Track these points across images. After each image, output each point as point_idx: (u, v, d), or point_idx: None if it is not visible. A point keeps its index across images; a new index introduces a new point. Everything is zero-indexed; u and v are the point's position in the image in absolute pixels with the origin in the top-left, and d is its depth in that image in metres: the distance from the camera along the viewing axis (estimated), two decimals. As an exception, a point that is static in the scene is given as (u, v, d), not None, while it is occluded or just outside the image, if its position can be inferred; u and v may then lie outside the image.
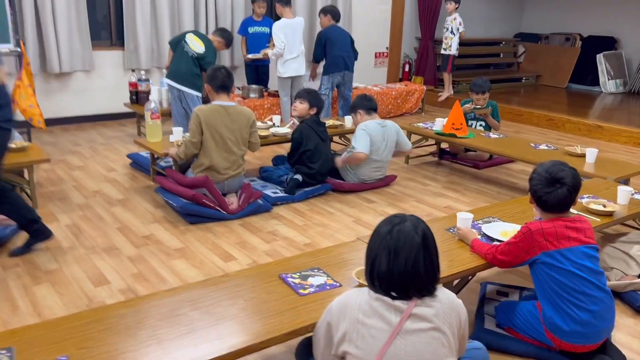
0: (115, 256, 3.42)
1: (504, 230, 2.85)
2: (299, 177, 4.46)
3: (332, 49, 6.55)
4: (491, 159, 5.52)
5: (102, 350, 1.83)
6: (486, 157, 5.46)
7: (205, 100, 5.09)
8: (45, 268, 3.25)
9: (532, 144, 4.85)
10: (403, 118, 7.97)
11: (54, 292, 2.98)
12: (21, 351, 1.79)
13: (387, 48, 9.47)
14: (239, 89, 6.96)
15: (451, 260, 2.58)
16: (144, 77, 6.11)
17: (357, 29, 8.86)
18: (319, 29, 6.99)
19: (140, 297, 2.20)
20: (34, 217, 3.36)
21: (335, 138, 5.72)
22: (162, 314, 2.06)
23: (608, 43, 10.26)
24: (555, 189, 2.42)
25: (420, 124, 5.58)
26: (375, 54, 9.37)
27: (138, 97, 6.15)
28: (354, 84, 7.94)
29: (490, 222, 3.00)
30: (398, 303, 1.71)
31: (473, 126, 5.63)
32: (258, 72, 7.16)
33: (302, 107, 4.55)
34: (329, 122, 5.32)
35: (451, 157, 5.74)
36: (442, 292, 1.80)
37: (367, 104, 4.65)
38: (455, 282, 2.63)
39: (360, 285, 2.14)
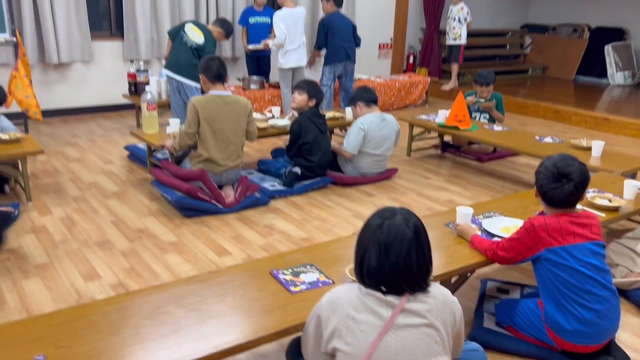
0: (107, 250, 3.36)
1: (505, 226, 2.76)
2: (297, 170, 4.37)
3: (333, 38, 6.44)
4: (495, 152, 5.42)
5: (81, 349, 1.76)
6: (490, 150, 5.35)
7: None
8: (36, 262, 3.18)
9: (537, 137, 4.74)
10: (406, 110, 7.85)
11: (43, 287, 2.92)
12: (-3, 350, 1.73)
13: (391, 39, 9.34)
14: (239, 80, 6.87)
15: (449, 256, 2.49)
16: (142, 67, 6.02)
17: (360, 19, 8.72)
18: (321, 17, 6.86)
19: (126, 293, 2.13)
20: None
21: (337, 130, 5.63)
22: (147, 311, 1.99)
23: (616, 34, 10.08)
24: (562, 185, 2.33)
25: (423, 116, 5.47)
26: (379, 44, 9.23)
27: (137, 88, 6.07)
28: (357, 75, 7.83)
29: (490, 217, 2.90)
30: (390, 298, 1.65)
31: (477, 118, 5.53)
32: (259, 63, 7.06)
33: (301, 98, 4.46)
34: (330, 114, 5.22)
35: (454, 150, 5.63)
36: (436, 288, 1.74)
37: (367, 96, 4.55)
38: (454, 279, 2.54)
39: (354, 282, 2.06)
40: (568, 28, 10.75)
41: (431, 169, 5.15)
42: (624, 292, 2.94)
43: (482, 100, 5.46)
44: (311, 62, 6.88)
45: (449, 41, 8.39)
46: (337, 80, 6.75)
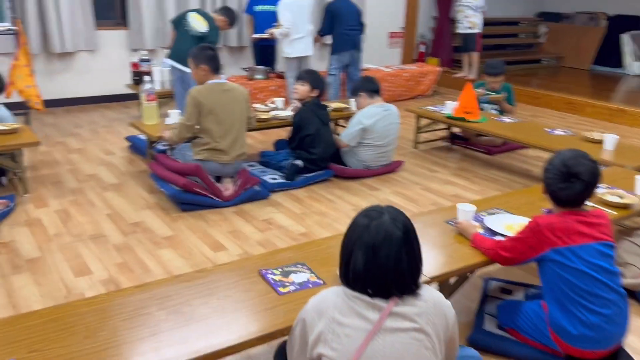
0: (101, 244, 3.28)
1: (509, 224, 2.63)
2: (299, 162, 4.26)
3: (339, 26, 6.28)
4: (504, 145, 5.26)
5: (54, 353, 1.68)
6: (499, 142, 5.19)
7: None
8: (28, 256, 3.12)
9: (548, 129, 4.58)
10: (415, 100, 7.70)
11: (33, 282, 2.85)
12: (-34, 354, 1.65)
13: (401, 28, 9.15)
14: (244, 69, 6.76)
15: (449, 255, 2.38)
16: (145, 57, 5.93)
17: (370, 7, 8.56)
18: (327, 2, 6.71)
19: (106, 293, 2.05)
20: None
21: (342, 121, 5.50)
22: (127, 313, 1.90)
23: (634, 22, 9.78)
24: (571, 184, 2.20)
25: (430, 107, 5.33)
26: (390, 34, 9.06)
27: (140, 77, 5.97)
28: (365, 65, 7.68)
29: (494, 214, 2.78)
30: (377, 301, 1.56)
31: (486, 109, 5.37)
32: (265, 52, 6.93)
33: (303, 89, 4.34)
34: (334, 105, 5.10)
35: (463, 142, 5.49)
36: (427, 291, 1.64)
37: (370, 86, 4.42)
38: (453, 279, 2.43)
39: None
40: (584, 16, 10.47)
41: (438, 162, 5.01)
42: (633, 294, 2.81)
43: (492, 92, 5.30)
44: (317, 40, 6.68)
45: (463, 30, 8.15)
46: (344, 69, 6.60)
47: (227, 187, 3.89)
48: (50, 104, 6.41)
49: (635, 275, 2.92)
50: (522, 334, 2.40)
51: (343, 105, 5.13)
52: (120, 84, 6.60)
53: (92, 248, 3.24)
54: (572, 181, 2.20)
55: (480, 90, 5.29)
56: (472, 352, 1.99)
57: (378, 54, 8.78)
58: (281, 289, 2.06)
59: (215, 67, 3.85)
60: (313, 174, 4.33)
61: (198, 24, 5.32)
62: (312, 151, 4.28)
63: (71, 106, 6.68)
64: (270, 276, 2.15)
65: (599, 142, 4.14)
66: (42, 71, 6.33)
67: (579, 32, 10.31)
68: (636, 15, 9.80)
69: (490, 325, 2.53)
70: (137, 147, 4.96)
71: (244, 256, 3.18)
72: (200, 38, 5.31)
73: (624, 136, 5.35)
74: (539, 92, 7.73)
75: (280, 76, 6.66)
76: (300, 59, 6.20)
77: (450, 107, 5.02)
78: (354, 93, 4.53)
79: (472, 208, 2.61)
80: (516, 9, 10.76)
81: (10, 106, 4.46)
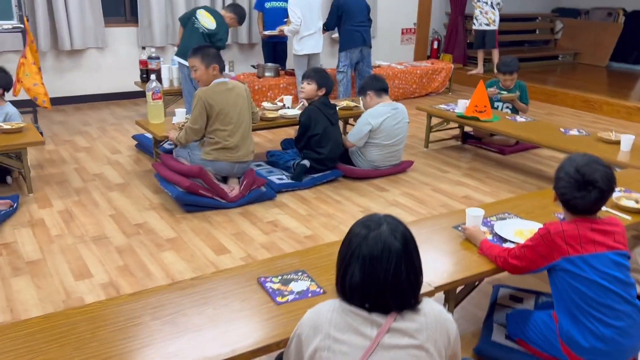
0: (103, 246, 3.24)
1: (519, 230, 2.53)
2: (306, 162, 4.19)
3: (347, 22, 6.17)
4: (518, 144, 5.13)
5: (41, 366, 1.63)
6: (512, 141, 5.07)
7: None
8: (29, 258, 3.08)
9: (562, 129, 4.45)
10: (428, 98, 7.58)
11: (32, 285, 2.81)
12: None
13: (414, 24, 9.03)
14: (253, 67, 6.69)
15: (455, 263, 2.29)
16: (154, 54, 5.89)
17: (383, 3, 8.45)
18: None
19: (99, 301, 1.99)
20: None
21: (352, 120, 5.41)
22: (120, 322, 1.84)
23: (654, 18, 9.58)
24: (587, 193, 2.08)
25: (442, 106, 5.22)
26: (402, 30, 8.94)
27: (148, 75, 5.93)
28: (377, 62, 7.59)
29: (504, 219, 2.68)
30: (375, 316, 1.48)
31: (499, 108, 5.24)
32: (276, 49, 6.86)
33: (309, 88, 4.25)
34: (343, 103, 5.01)
35: (475, 141, 5.37)
36: (428, 305, 1.55)
37: (377, 85, 4.33)
38: (459, 288, 2.34)
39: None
40: (602, 12, 10.24)
41: (449, 162, 4.91)
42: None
43: (505, 91, 5.17)
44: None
45: (481, 26, 7.95)
46: (354, 67, 6.49)
47: (233, 188, 3.83)
48: (60, 101, 6.40)
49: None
50: (531, 345, 2.31)
51: (352, 104, 5.03)
52: (130, 81, 6.57)
53: (94, 250, 3.19)
54: (588, 189, 2.09)
55: (492, 90, 5.16)
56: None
57: (390, 51, 8.66)
58: (279, 299, 1.99)
59: (223, 66, 3.82)
60: (320, 174, 4.25)
61: (206, 21, 5.27)
62: (319, 151, 4.20)
63: (81, 104, 6.66)
64: (269, 284, 2.08)
65: (615, 142, 4.01)
66: (51, 69, 6.32)
67: (596, 28, 10.09)
68: (655, 11, 9.59)
69: (498, 336, 2.44)
70: (144, 145, 4.92)
71: (247, 260, 3.11)
72: (209, 35, 5.26)
73: (642, 136, 5.19)
74: (554, 90, 7.56)
75: (291, 74, 6.59)
76: (310, 56, 6.12)
77: (462, 106, 4.91)
78: (361, 92, 4.44)
79: (481, 212, 2.52)
80: (532, 5, 10.56)
81: (17, 104, 4.45)
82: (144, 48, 6.15)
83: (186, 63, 5.23)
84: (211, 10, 5.42)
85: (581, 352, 2.12)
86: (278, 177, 4.18)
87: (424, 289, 2.06)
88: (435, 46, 9.25)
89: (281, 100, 4.96)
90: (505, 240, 2.45)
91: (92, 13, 6.43)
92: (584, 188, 2.09)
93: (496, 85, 5.27)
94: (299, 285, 2.09)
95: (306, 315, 1.59)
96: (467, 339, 2.48)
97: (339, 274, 1.55)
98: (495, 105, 5.23)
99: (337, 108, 4.57)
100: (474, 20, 8.05)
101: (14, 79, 4.73)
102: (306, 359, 1.54)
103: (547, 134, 4.36)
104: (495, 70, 7.10)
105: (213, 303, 1.96)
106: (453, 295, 2.32)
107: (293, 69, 6.44)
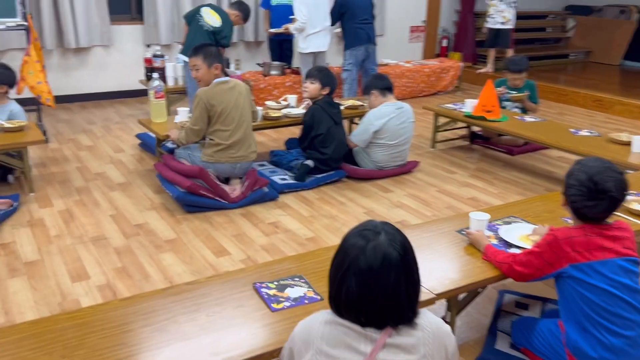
0: (102, 247, 3.19)
1: (524, 234, 2.45)
2: (310, 162, 4.12)
3: (351, 20, 6.08)
4: (527, 144, 5.03)
5: (25, 375, 1.58)
6: (521, 142, 4.97)
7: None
8: (26, 259, 3.04)
9: (572, 130, 4.35)
10: (436, 97, 7.48)
11: (28, 287, 2.77)
12: None
13: (423, 21, 8.92)
14: (259, 65, 6.63)
15: (458, 269, 2.21)
16: (158, 52, 5.84)
17: (391, 0, 8.35)
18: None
19: (90, 306, 1.94)
20: None
21: (357, 119, 5.33)
22: (109, 329, 1.79)
23: (668, 16, 9.40)
24: (600, 202, 2.00)
25: (449, 105, 5.13)
26: (411, 27, 8.84)
27: (153, 73, 5.89)
28: (384, 60, 7.50)
29: (510, 223, 2.59)
30: (369, 331, 1.40)
31: (508, 108, 5.14)
32: (282, 47, 6.79)
33: (313, 87, 4.18)
34: (349, 102, 4.94)
35: (483, 141, 5.28)
36: (425, 318, 1.47)
37: (381, 84, 4.25)
38: (462, 295, 2.27)
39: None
40: (615, 9, 10.07)
41: (456, 162, 4.82)
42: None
43: (513, 91, 5.07)
44: None
45: (495, 25, 7.77)
46: (360, 65, 6.40)
47: (235, 188, 3.77)
48: (66, 99, 6.38)
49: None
50: (537, 354, 2.23)
51: (358, 103, 4.95)
52: (136, 79, 6.53)
53: (93, 251, 3.15)
54: (601, 198, 2.00)
55: (501, 89, 5.06)
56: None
57: (398, 49, 8.57)
58: (275, 305, 1.93)
59: (223, 65, 3.77)
60: (324, 174, 4.18)
61: (211, 19, 5.22)
62: (323, 151, 4.13)
63: (86, 102, 6.64)
64: (264, 290, 2.02)
65: (627, 144, 3.91)
66: (56, 67, 6.30)
67: (609, 25, 9.92)
68: (670, 8, 9.41)
69: (502, 344, 2.36)
70: (147, 144, 4.88)
71: (247, 262, 3.05)
72: (214, 33, 5.21)
73: (654, 136, 5.06)
74: (566, 89, 7.43)
75: (297, 72, 6.52)
76: (316, 55, 6.04)
77: (470, 105, 4.82)
78: (366, 91, 4.36)
79: (486, 217, 2.44)
80: (544, 2, 10.41)
81: (22, 102, 4.41)
82: (148, 46, 6.11)
83: (191, 61, 5.19)
84: (216, 8, 5.37)
85: (589, 362, 2.04)
86: (281, 177, 4.12)
87: (425, 296, 1.99)
88: (444, 44, 9.14)
89: (285, 100, 4.90)
90: (511, 246, 2.37)
91: (98, 11, 6.40)
92: (596, 197, 2.00)
93: (505, 84, 5.17)
94: (296, 291, 2.03)
95: (298, 327, 1.52)
96: (470, 347, 2.40)
97: (333, 286, 1.47)
98: (504, 105, 5.13)
99: (342, 107, 4.50)
100: (487, 18, 7.90)
101: (18, 76, 4.70)
102: (299, 374, 1.48)
103: (557, 134, 4.26)
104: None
105: (206, 309, 1.90)
106: (455, 302, 2.25)
107: (298, 67, 6.37)
